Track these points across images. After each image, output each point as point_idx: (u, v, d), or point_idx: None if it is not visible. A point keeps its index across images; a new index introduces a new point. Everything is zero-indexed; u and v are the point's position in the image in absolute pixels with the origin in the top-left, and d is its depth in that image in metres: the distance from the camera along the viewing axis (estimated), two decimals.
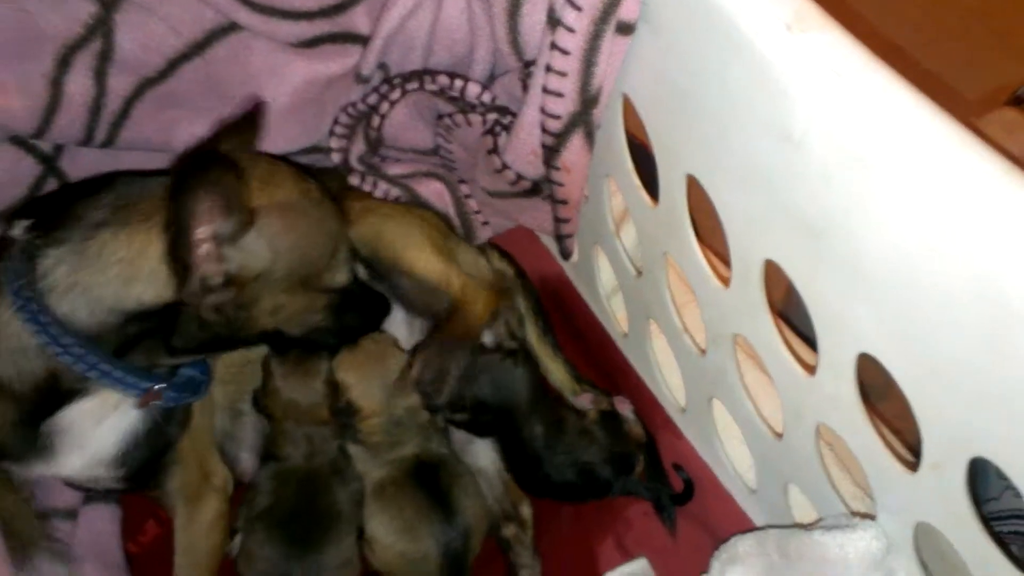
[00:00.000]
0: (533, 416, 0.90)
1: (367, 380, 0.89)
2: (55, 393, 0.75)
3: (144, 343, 0.75)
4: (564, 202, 0.85)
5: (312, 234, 0.79)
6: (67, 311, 0.71)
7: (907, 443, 0.65)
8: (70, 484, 0.90)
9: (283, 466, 0.91)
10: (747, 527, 0.88)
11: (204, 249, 0.69)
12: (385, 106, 0.90)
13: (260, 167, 0.77)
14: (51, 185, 0.90)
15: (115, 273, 0.71)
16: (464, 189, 0.98)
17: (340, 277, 0.82)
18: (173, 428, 0.84)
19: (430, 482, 0.89)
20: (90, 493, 0.92)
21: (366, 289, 0.89)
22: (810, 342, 0.65)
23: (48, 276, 0.71)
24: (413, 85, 0.87)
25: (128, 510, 0.95)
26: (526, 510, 0.93)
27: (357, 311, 0.87)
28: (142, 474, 0.84)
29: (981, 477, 0.54)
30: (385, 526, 0.88)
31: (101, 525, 0.93)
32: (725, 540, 0.76)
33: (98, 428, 0.79)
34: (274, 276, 0.75)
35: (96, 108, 0.84)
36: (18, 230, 0.74)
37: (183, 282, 0.70)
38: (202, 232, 0.69)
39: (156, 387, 0.78)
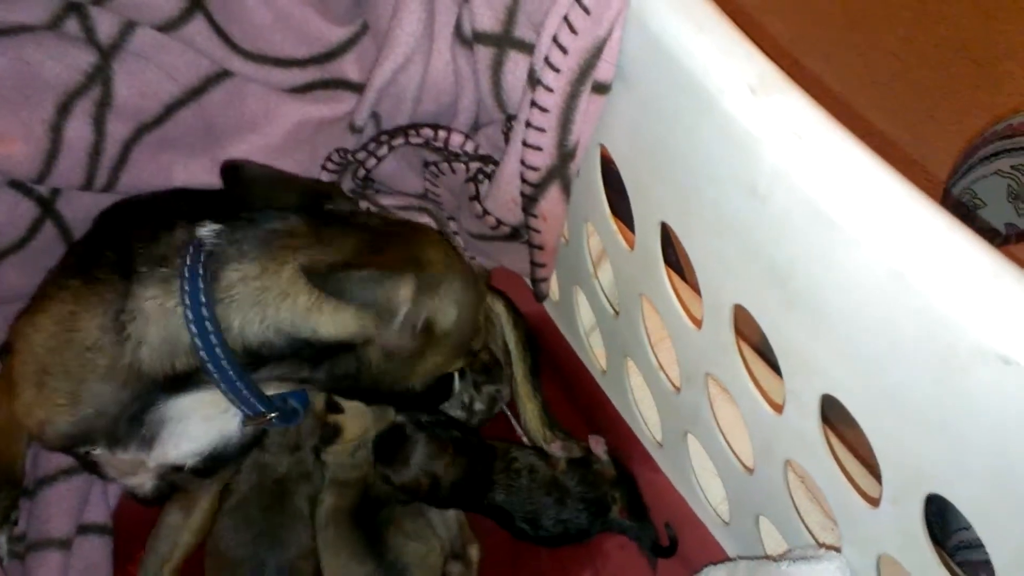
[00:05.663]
0: (492, 488, 0.92)
1: (361, 410, 0.94)
2: (180, 382, 0.76)
3: (283, 363, 0.76)
4: (540, 247, 0.88)
5: (477, 303, 0.84)
6: (237, 326, 0.73)
7: (876, 473, 0.67)
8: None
9: (266, 460, 0.94)
10: (721, 558, 0.90)
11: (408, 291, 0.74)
12: (372, 161, 0.94)
13: (445, 243, 0.83)
14: (48, 227, 0.91)
15: (300, 302, 0.72)
16: (452, 225, 1.01)
17: (478, 343, 0.88)
18: (253, 441, 0.90)
19: (367, 520, 0.92)
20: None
21: None
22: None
23: (232, 289, 0.72)
24: (399, 140, 0.90)
25: (117, 540, 0.97)
26: (474, 552, 0.94)
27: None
28: (210, 468, 0.87)
29: (952, 506, 0.56)
30: (327, 565, 0.91)
31: (94, 556, 0.95)
32: (699, 571, 0.79)
33: (204, 425, 0.81)
34: (451, 336, 0.80)
35: (96, 153, 0.86)
36: (207, 232, 0.74)
37: (382, 319, 0.73)
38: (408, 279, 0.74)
39: (270, 415, 0.81)
